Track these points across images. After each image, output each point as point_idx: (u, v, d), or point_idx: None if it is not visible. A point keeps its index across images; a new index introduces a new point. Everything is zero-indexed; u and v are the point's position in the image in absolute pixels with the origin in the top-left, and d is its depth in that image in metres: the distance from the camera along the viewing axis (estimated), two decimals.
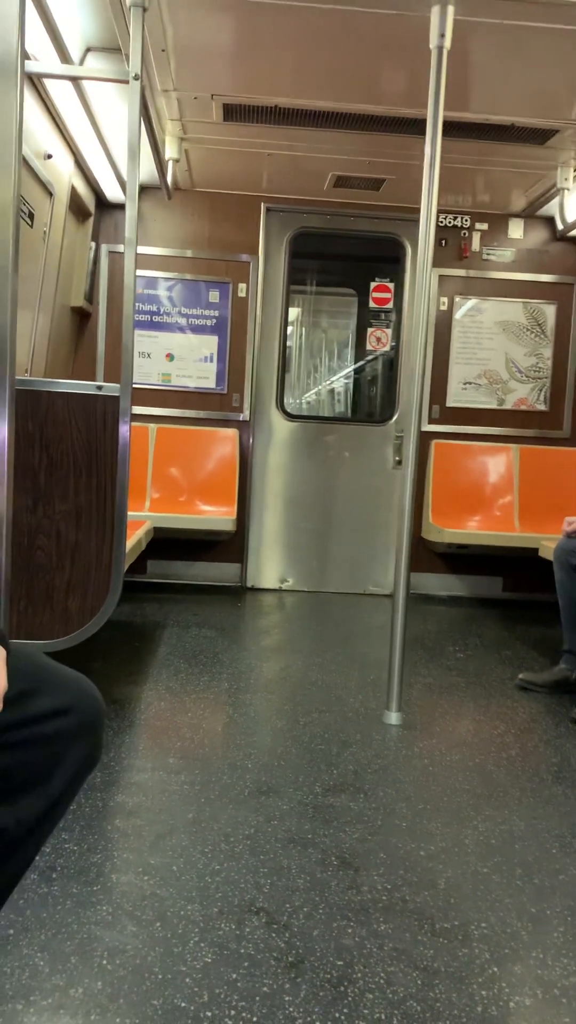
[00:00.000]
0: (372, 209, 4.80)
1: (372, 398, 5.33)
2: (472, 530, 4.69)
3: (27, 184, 3.26)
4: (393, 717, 2.83)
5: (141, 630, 3.90)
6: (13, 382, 2.36)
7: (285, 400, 4.97)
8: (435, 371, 4.90)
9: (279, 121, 3.70)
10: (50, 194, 3.60)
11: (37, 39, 2.81)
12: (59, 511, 2.57)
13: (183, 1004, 1.40)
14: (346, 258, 5.23)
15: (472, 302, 4.89)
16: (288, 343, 5.08)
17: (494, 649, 3.87)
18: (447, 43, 2.63)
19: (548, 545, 3.63)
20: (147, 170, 4.08)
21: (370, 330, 4.99)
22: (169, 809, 2.11)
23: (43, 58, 2.95)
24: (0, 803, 1.15)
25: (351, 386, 5.34)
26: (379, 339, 4.99)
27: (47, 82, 3.19)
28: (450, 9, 2.61)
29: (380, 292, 4.95)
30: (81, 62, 3.08)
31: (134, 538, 3.35)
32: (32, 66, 2.77)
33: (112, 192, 4.50)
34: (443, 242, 4.85)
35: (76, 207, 4.18)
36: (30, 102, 3.18)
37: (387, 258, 4.95)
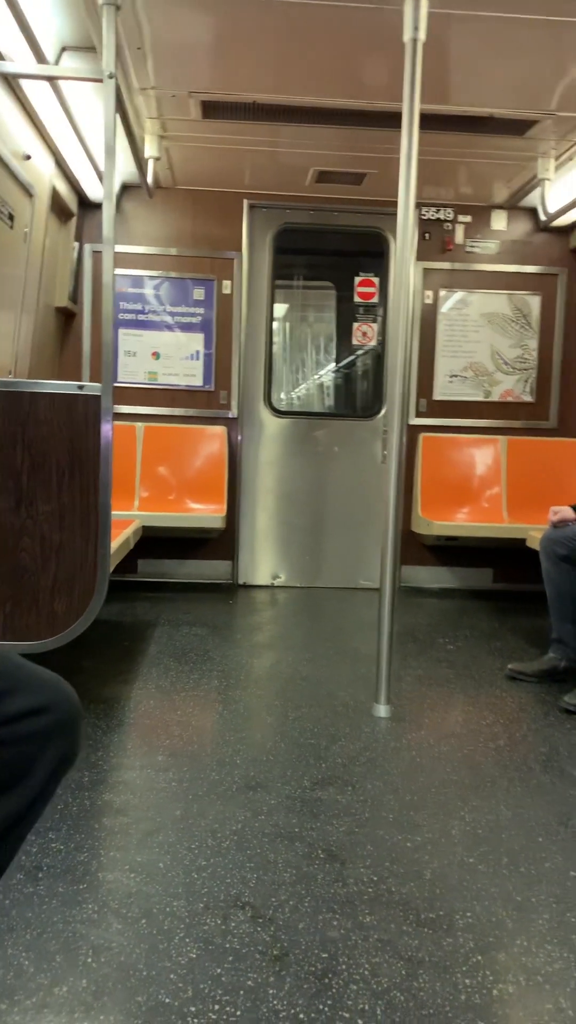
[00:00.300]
0: (355, 204, 4.80)
1: (360, 393, 5.33)
2: (461, 522, 4.70)
3: (6, 185, 3.25)
4: (382, 710, 2.84)
5: (132, 629, 3.90)
6: None
7: (273, 396, 4.97)
8: (421, 365, 4.91)
9: (258, 117, 3.69)
10: (30, 195, 3.59)
11: (11, 39, 2.80)
12: (42, 512, 2.55)
13: (167, 1000, 1.40)
14: (330, 253, 5.22)
15: (458, 295, 4.90)
16: (275, 339, 5.08)
17: (484, 640, 3.89)
18: (421, 36, 2.63)
19: (535, 535, 3.64)
20: (128, 169, 4.07)
21: (356, 325, 4.99)
22: (157, 807, 2.12)
23: (18, 58, 2.94)
24: None
25: (339, 381, 5.34)
26: (365, 334, 4.99)
27: (23, 83, 3.18)
28: (423, 2, 2.62)
29: (365, 287, 4.95)
30: (57, 62, 3.07)
31: (121, 537, 3.35)
32: (6, 66, 2.76)
33: (94, 192, 4.50)
34: (427, 235, 4.85)
35: (58, 207, 4.17)
36: (7, 103, 3.17)
37: (371, 252, 4.95)
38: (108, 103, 2.52)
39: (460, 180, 4.51)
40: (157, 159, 4.09)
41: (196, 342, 4.82)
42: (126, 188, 4.67)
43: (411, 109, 2.68)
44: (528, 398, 4.96)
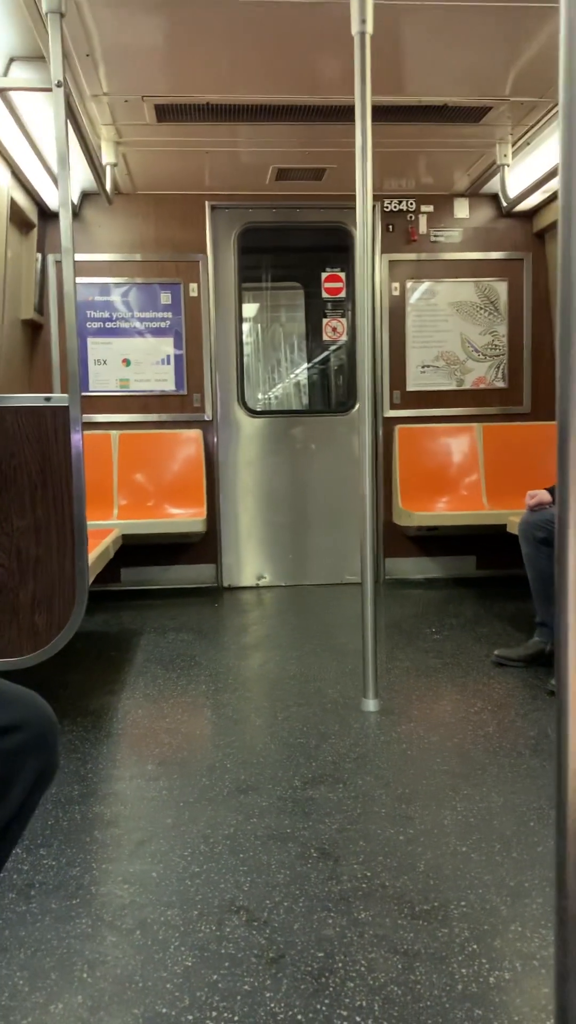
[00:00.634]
0: (316, 199, 4.80)
1: (335, 388, 5.33)
2: (441, 512, 4.71)
3: None
4: (371, 704, 2.84)
5: (117, 639, 3.88)
6: None
7: (247, 397, 4.96)
8: (393, 356, 4.91)
9: (213, 118, 3.68)
10: None
11: None
12: (17, 527, 2.55)
13: (164, 1010, 1.39)
14: (296, 250, 5.22)
15: (425, 285, 4.90)
16: (246, 339, 5.07)
17: (470, 628, 3.90)
18: (369, 28, 2.63)
19: (515, 520, 3.65)
20: (86, 176, 4.05)
21: (325, 321, 4.99)
22: (148, 816, 2.11)
23: None
24: None
25: (314, 378, 5.34)
26: (335, 329, 4.99)
27: None
28: None
29: (332, 282, 4.95)
30: (6, 73, 3.05)
31: (100, 547, 3.33)
32: None
33: (54, 202, 4.46)
34: (390, 227, 4.86)
35: (18, 219, 4.15)
36: None
37: (337, 247, 4.95)
38: (58, 112, 2.52)
39: (420, 170, 4.52)
40: (115, 165, 4.07)
41: (166, 346, 4.80)
42: (86, 196, 4.65)
43: (363, 102, 2.68)
44: (501, 384, 4.98)
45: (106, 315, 4.76)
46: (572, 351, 0.65)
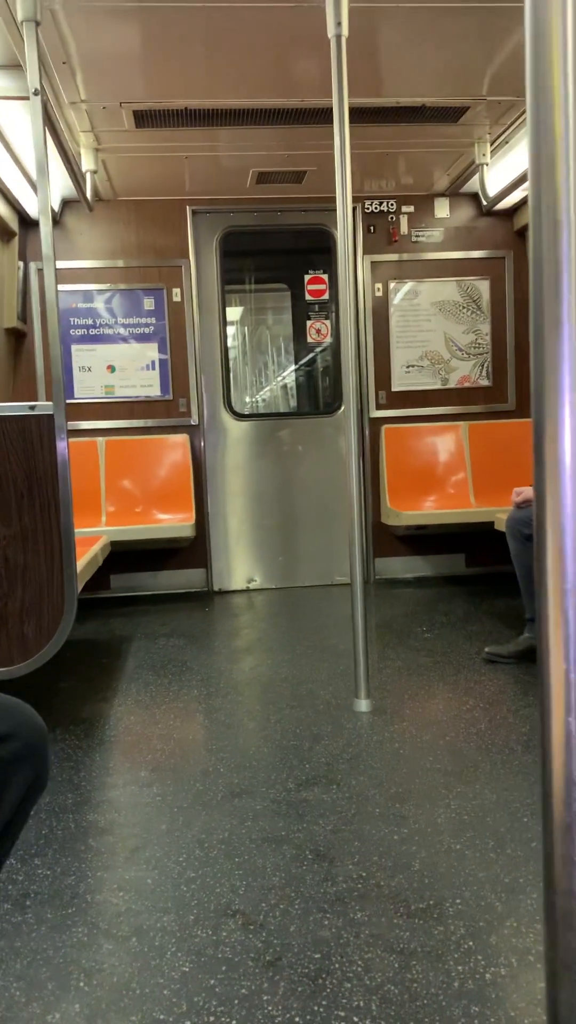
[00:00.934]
0: (297, 202, 4.81)
1: (321, 390, 5.34)
2: (429, 510, 4.72)
3: None
4: (363, 705, 2.84)
5: (108, 646, 3.87)
6: None
7: (233, 400, 4.96)
8: (377, 357, 4.93)
9: (192, 123, 3.69)
10: None
11: None
12: (4, 536, 2.54)
13: (162, 1017, 1.39)
14: (278, 253, 5.23)
15: (408, 286, 4.92)
16: (231, 343, 5.07)
17: (461, 625, 3.91)
18: (344, 31, 2.64)
19: (502, 518, 3.67)
20: (66, 184, 4.05)
21: (309, 323, 5.00)
22: (142, 823, 2.10)
23: None
24: None
25: (300, 380, 5.35)
26: (320, 331, 5.00)
27: None
28: None
29: (315, 284, 4.96)
30: None
31: (89, 554, 3.32)
32: None
33: (35, 210, 4.45)
34: (371, 228, 4.87)
35: None
36: None
37: (319, 249, 4.96)
38: (35, 120, 2.52)
39: (400, 171, 4.54)
40: (95, 172, 4.07)
41: (151, 352, 4.80)
42: (66, 203, 4.64)
43: (340, 104, 2.68)
44: (485, 382, 5.00)
45: (90, 322, 4.75)
46: (545, 348, 0.65)
